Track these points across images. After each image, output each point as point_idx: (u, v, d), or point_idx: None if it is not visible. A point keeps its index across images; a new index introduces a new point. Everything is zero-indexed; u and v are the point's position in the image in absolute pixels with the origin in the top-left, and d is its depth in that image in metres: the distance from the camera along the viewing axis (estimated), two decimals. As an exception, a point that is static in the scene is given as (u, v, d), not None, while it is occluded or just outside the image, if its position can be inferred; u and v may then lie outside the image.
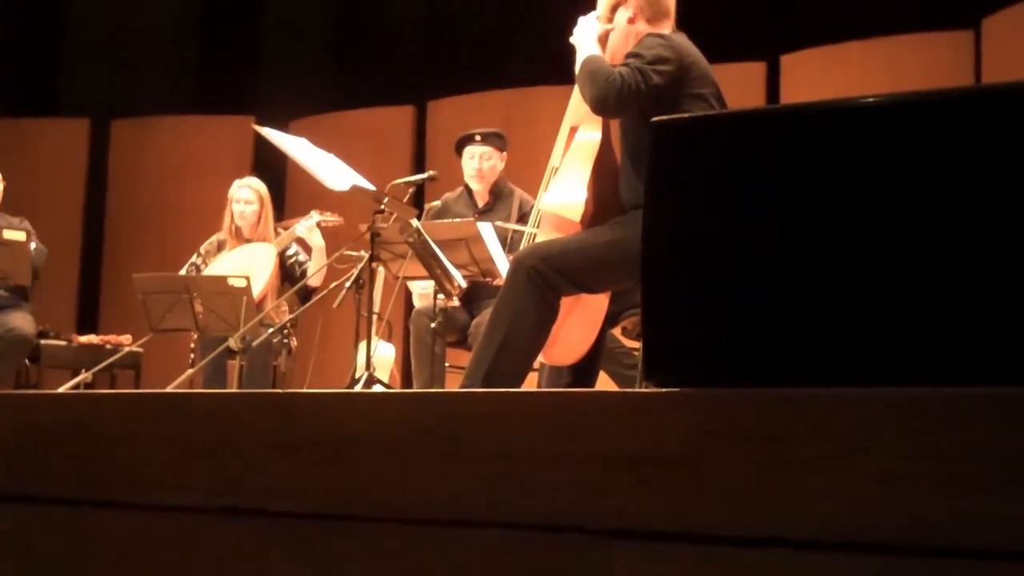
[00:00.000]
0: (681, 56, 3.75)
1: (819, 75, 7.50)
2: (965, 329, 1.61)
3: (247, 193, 6.53)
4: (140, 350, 6.89)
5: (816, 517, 1.52)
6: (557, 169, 4.02)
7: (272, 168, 8.32)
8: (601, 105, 3.73)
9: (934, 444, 1.48)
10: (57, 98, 10.21)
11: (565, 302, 3.77)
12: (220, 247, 6.55)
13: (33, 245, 6.44)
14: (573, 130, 4.05)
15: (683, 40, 3.83)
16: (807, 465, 1.53)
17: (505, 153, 6.00)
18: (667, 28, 3.91)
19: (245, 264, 6.22)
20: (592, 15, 3.97)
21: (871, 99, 1.75)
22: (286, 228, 6.52)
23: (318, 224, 6.33)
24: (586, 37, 3.91)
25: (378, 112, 9.04)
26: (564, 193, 3.91)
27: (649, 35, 3.83)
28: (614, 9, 3.93)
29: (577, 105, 4.02)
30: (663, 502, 1.62)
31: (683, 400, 1.67)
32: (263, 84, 9.70)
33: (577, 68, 3.86)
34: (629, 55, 3.76)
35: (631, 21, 3.91)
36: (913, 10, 7.39)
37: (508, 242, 5.61)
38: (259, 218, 6.52)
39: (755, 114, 2.04)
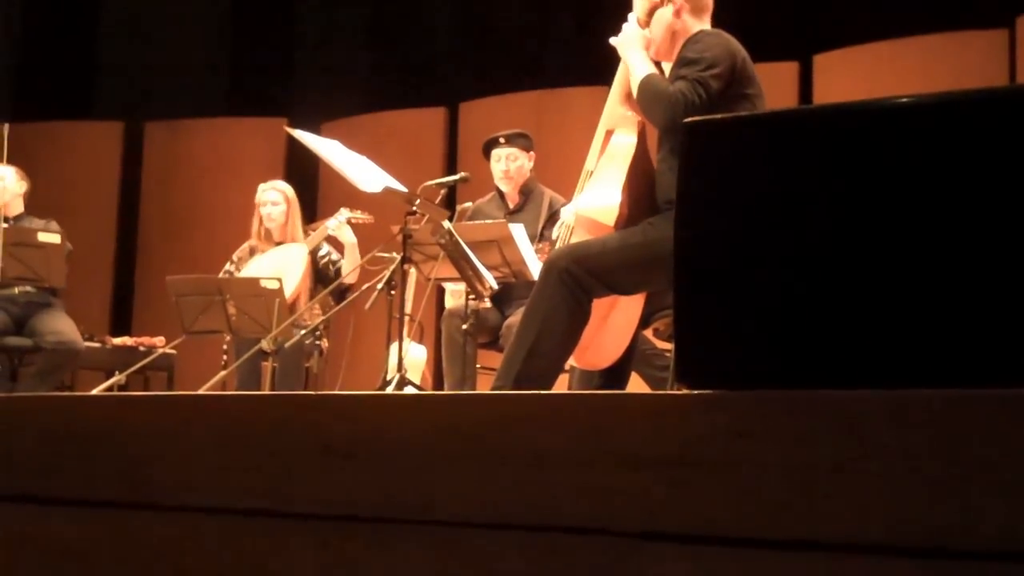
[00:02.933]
0: (733, 54, 3.72)
1: (852, 75, 7.47)
2: (1003, 331, 1.60)
3: (273, 195, 6.55)
4: (173, 352, 6.92)
5: (848, 520, 1.52)
6: (592, 173, 4.02)
7: (304, 170, 8.36)
8: (672, 127, 3.68)
9: (969, 447, 1.47)
10: (91, 101, 10.28)
11: (599, 306, 3.76)
12: (252, 252, 6.58)
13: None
14: (608, 134, 4.04)
15: (730, 37, 3.80)
16: (839, 467, 1.53)
17: (532, 153, 6.00)
18: (707, 23, 3.88)
19: (278, 266, 6.25)
20: (632, 17, 3.93)
21: (905, 99, 1.74)
22: (315, 229, 6.53)
23: (348, 221, 6.35)
24: (632, 44, 3.87)
25: (410, 114, 9.06)
26: (599, 197, 3.90)
27: (699, 33, 3.79)
28: (651, 12, 3.89)
29: (612, 109, 4.01)
30: (694, 505, 1.62)
31: (715, 402, 1.67)
32: (295, 86, 9.74)
33: (634, 86, 3.81)
34: (682, 63, 3.71)
35: (676, 15, 3.86)
36: (947, 9, 7.35)
37: (536, 239, 5.62)
38: (287, 218, 6.54)
39: (788, 115, 2.03)
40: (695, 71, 3.65)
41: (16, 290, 6.39)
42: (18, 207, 6.75)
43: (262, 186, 6.66)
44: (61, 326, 6.40)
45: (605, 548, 1.67)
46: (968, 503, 1.46)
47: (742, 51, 3.77)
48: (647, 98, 3.74)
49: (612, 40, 3.94)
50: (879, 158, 1.70)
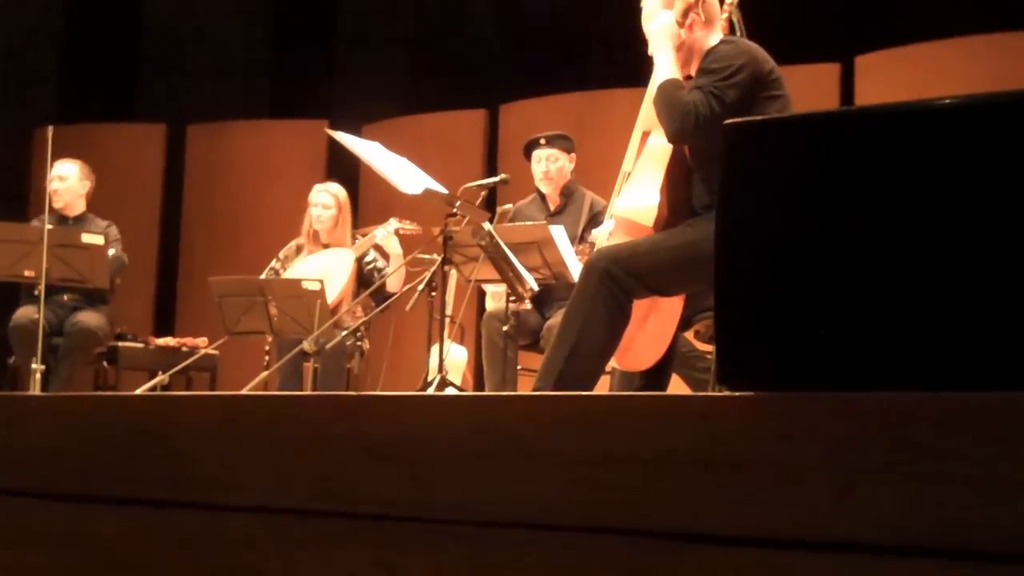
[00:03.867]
0: (755, 59, 3.71)
1: (894, 76, 7.41)
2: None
3: (325, 198, 6.57)
4: (216, 352, 6.95)
5: (892, 523, 1.51)
6: (629, 174, 4.01)
7: (346, 172, 8.37)
8: (679, 137, 3.70)
9: (1015, 449, 1.46)
10: (134, 104, 10.36)
11: (640, 307, 3.76)
12: (299, 251, 6.60)
13: (112, 251, 6.53)
14: (645, 135, 4.03)
15: (750, 45, 3.79)
16: (882, 470, 1.52)
17: (573, 155, 6.00)
18: (719, 33, 3.88)
19: (323, 269, 6.27)
20: (670, 13, 3.91)
21: (947, 101, 1.73)
22: (364, 235, 6.55)
23: (396, 231, 6.36)
24: (664, 38, 3.85)
25: (450, 116, 9.07)
26: (637, 198, 3.90)
27: (718, 44, 3.79)
28: (686, 13, 3.87)
29: (649, 110, 4.00)
30: (736, 506, 1.61)
31: (756, 405, 1.67)
32: (337, 88, 9.78)
33: (652, 84, 3.81)
34: (701, 71, 3.71)
35: (689, 29, 3.85)
36: (989, 10, 7.29)
37: (577, 241, 5.61)
38: (336, 223, 6.55)
39: (829, 116, 2.03)
40: (712, 81, 3.65)
41: (66, 296, 6.45)
42: (80, 207, 6.80)
43: (317, 187, 6.68)
44: (84, 317, 6.46)
45: (647, 549, 1.67)
46: (1014, 506, 1.45)
47: (761, 57, 3.75)
48: (662, 103, 3.75)
49: (647, 27, 3.93)
50: (921, 160, 1.70)
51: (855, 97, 7.60)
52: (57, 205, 6.69)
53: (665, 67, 3.82)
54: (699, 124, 3.60)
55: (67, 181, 6.72)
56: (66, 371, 6.35)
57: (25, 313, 6.37)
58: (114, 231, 6.74)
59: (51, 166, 6.38)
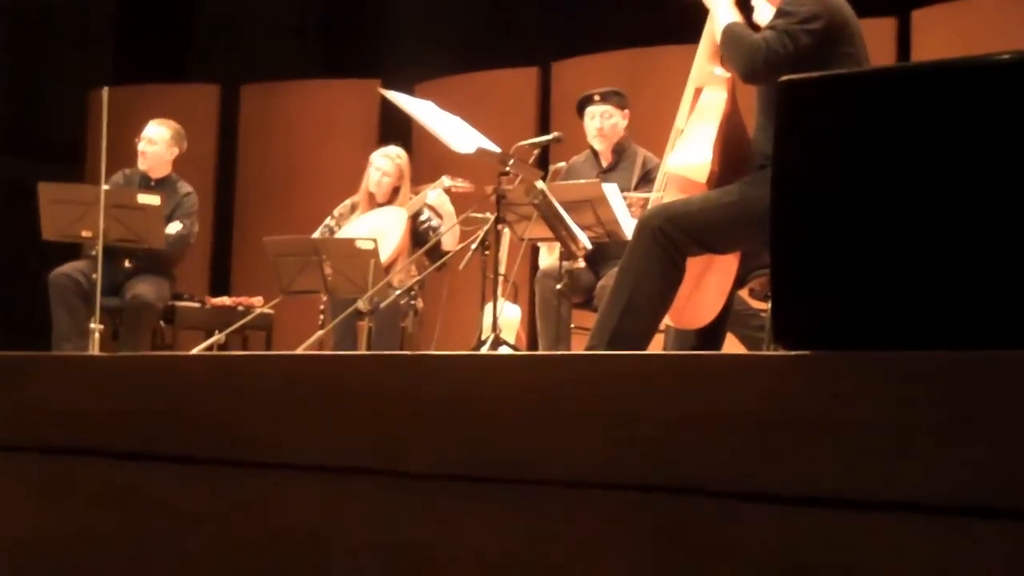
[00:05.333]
0: (832, 12, 3.66)
1: (952, 31, 7.30)
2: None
3: (386, 164, 6.56)
4: (271, 312, 6.99)
5: (949, 482, 1.50)
6: (682, 131, 3.99)
7: (398, 131, 8.37)
8: (750, 74, 3.66)
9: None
10: (188, 65, 10.41)
11: (694, 264, 3.74)
12: (353, 209, 6.62)
13: (179, 227, 6.57)
14: (698, 91, 4.00)
15: None
16: (937, 429, 1.51)
17: (627, 111, 5.98)
18: None
19: (377, 228, 6.28)
20: None
21: (1006, 56, 1.71)
22: (416, 193, 6.55)
23: (448, 189, 6.36)
24: None
25: (502, 74, 9.04)
26: (690, 155, 3.88)
27: None
28: None
29: (702, 66, 3.97)
30: (791, 465, 1.61)
31: (812, 363, 1.66)
32: (389, 47, 9.77)
33: (717, 33, 3.80)
34: (778, 13, 3.68)
35: None
36: (1051, -39, 7.16)
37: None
38: (393, 189, 6.56)
39: (885, 73, 2.01)
40: (787, 22, 3.61)
41: (128, 262, 6.50)
42: (165, 170, 6.82)
43: (382, 150, 6.67)
44: (141, 287, 6.51)
45: (701, 509, 1.67)
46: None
47: (845, 9, 3.71)
48: (729, 44, 3.72)
49: None
50: (979, 117, 1.68)
51: (912, 52, 7.49)
52: (143, 166, 6.74)
53: (725, 13, 3.80)
54: (770, 61, 3.55)
55: (156, 146, 6.76)
56: (129, 347, 6.41)
57: (63, 269, 6.44)
58: (190, 201, 6.75)
59: (106, 127, 6.42)
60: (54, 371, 2.56)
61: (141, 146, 6.74)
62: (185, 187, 6.85)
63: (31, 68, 10.20)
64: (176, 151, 6.86)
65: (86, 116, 9.19)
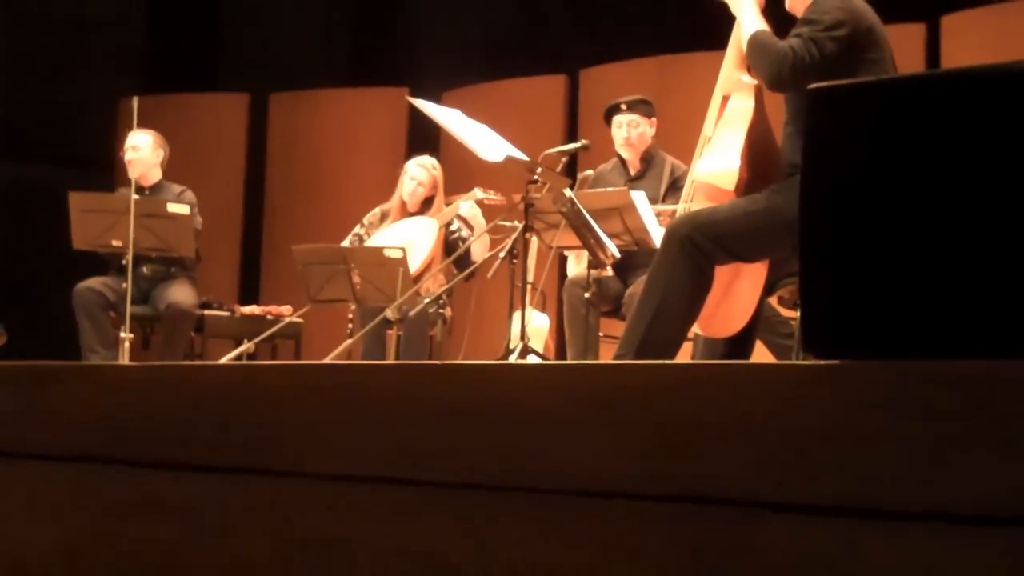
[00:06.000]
0: (857, 18, 3.65)
1: (983, 36, 7.26)
2: None
3: (422, 173, 6.58)
4: (300, 320, 7.01)
5: (982, 493, 1.49)
6: (710, 139, 3.98)
7: (426, 139, 8.39)
8: (776, 82, 3.66)
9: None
10: (217, 74, 10.46)
11: (723, 273, 3.73)
12: (383, 218, 6.63)
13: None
14: (725, 99, 4.00)
15: (860, 2, 3.73)
16: (972, 439, 1.50)
17: (654, 119, 5.98)
18: None
19: (407, 237, 6.29)
20: None
21: (1038, 62, 1.70)
22: (448, 204, 6.56)
23: (480, 201, 6.37)
24: (744, 3, 3.84)
25: (530, 81, 9.04)
26: (717, 162, 3.87)
27: None
28: None
29: (728, 74, 3.97)
30: (822, 475, 1.60)
31: (842, 372, 1.65)
32: (417, 56, 9.79)
33: (744, 40, 3.80)
34: (803, 21, 3.67)
35: None
36: (1082, -34, 7.12)
37: (657, 203, 5.60)
38: (426, 199, 6.57)
39: (915, 80, 1.99)
40: (812, 30, 3.61)
41: (145, 268, 6.53)
42: (155, 176, 6.86)
43: (416, 159, 6.69)
44: (176, 295, 6.54)
45: (731, 519, 1.66)
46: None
47: (869, 15, 3.70)
48: (755, 53, 3.71)
49: None
50: (1010, 124, 1.66)
51: (941, 59, 7.46)
52: (132, 175, 6.76)
53: (751, 21, 3.79)
54: (797, 68, 3.55)
55: (140, 151, 6.77)
56: (169, 355, 6.43)
57: (86, 283, 6.48)
58: (188, 196, 6.78)
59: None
60: (84, 379, 2.57)
61: (127, 156, 6.75)
62: (178, 187, 6.87)
63: (62, 77, 10.27)
64: (162, 153, 6.88)
65: (116, 125, 9.25)
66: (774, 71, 3.63)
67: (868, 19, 3.69)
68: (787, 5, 3.83)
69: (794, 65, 3.56)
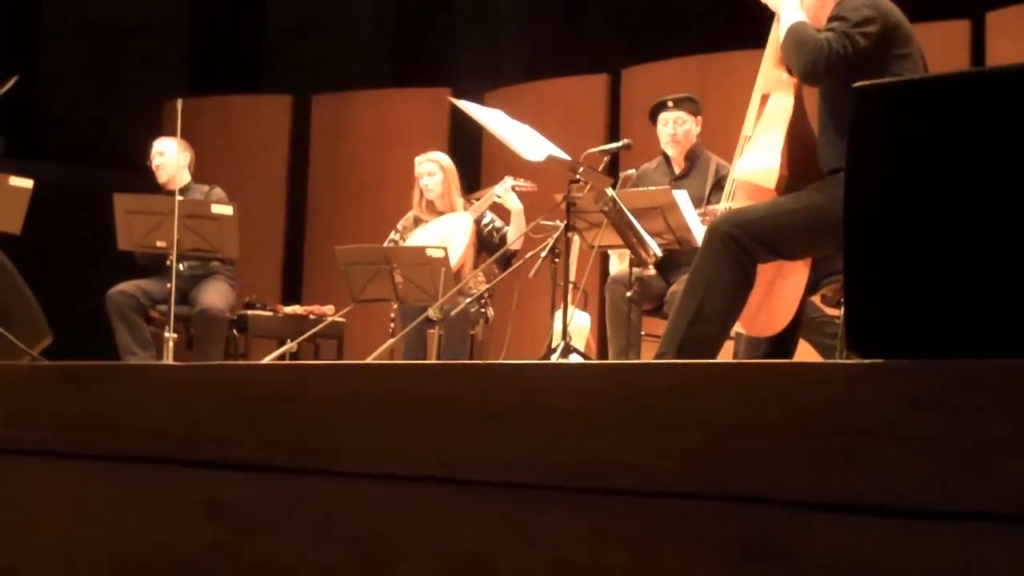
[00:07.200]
0: (886, 15, 3.67)
1: (1028, 33, 7.20)
2: None
3: (429, 166, 6.62)
4: (342, 320, 7.05)
5: (1023, 493, 1.48)
6: (750, 138, 3.98)
7: (468, 140, 8.42)
8: (810, 73, 3.67)
9: None
10: (261, 76, 10.52)
11: (765, 271, 3.73)
12: (416, 222, 6.66)
13: None
14: (764, 98, 4.00)
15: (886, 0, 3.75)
16: (1016, 440, 1.49)
17: (699, 117, 5.97)
18: None
19: (442, 235, 6.31)
20: None
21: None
22: (478, 199, 6.58)
23: (512, 188, 6.38)
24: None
25: (572, 81, 9.04)
26: (758, 161, 3.87)
27: None
28: None
29: (768, 72, 3.97)
30: (865, 475, 1.59)
31: (887, 372, 1.64)
32: (458, 57, 9.81)
33: (781, 34, 3.80)
34: (832, 19, 3.68)
35: None
36: None
37: (704, 203, 5.58)
38: (445, 188, 6.59)
39: (960, 77, 1.98)
40: (844, 26, 3.63)
41: (182, 266, 6.58)
42: (184, 178, 6.92)
43: (418, 158, 6.74)
44: (209, 298, 6.59)
45: (774, 518, 1.66)
46: None
47: (896, 12, 3.72)
48: (791, 43, 3.72)
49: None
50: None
51: (986, 57, 7.39)
52: (161, 180, 6.85)
53: (790, 15, 3.80)
54: (831, 61, 3.58)
55: (166, 156, 6.88)
56: (204, 357, 6.48)
57: (119, 287, 6.54)
58: (216, 193, 6.84)
59: (178, 138, 6.50)
60: (129, 380, 2.59)
61: (155, 162, 6.86)
62: (206, 186, 6.94)
63: (107, 80, 10.35)
64: (188, 156, 6.96)
65: (160, 127, 9.31)
66: (810, 61, 3.64)
67: (896, 14, 3.72)
68: (808, 17, 3.81)
69: (829, 57, 3.59)
